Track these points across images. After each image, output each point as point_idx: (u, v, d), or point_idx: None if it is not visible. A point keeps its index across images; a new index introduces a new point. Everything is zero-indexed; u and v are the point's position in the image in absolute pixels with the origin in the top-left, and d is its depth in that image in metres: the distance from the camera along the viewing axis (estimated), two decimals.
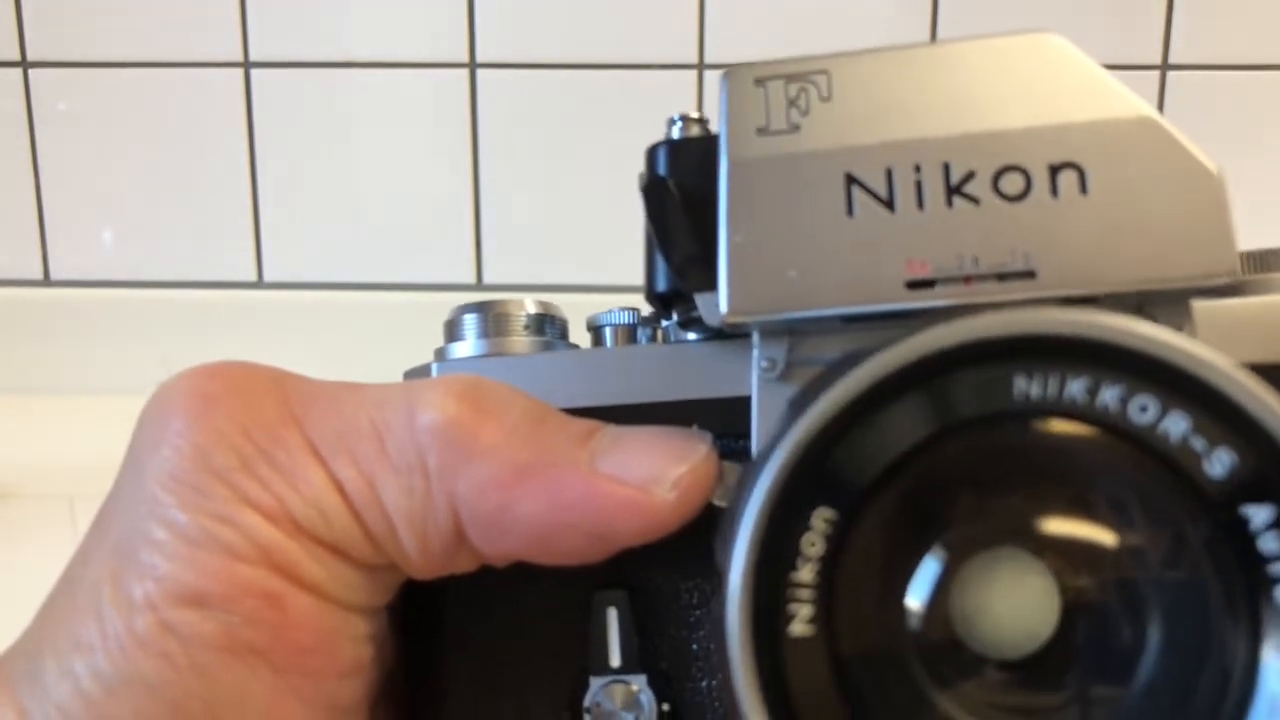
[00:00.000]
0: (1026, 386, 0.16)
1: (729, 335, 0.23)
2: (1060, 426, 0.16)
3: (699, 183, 0.22)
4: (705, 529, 0.21)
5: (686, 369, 0.24)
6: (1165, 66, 0.76)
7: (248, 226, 0.79)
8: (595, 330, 0.27)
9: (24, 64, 0.78)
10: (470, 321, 0.26)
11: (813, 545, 0.15)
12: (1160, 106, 0.77)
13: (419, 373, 0.26)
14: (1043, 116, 0.19)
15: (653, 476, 0.21)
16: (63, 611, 0.22)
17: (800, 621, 0.15)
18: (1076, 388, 0.16)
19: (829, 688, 0.15)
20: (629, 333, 0.26)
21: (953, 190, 0.19)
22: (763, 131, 0.20)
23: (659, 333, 0.26)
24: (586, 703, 0.24)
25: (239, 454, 0.21)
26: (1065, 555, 0.17)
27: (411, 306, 0.78)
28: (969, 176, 0.19)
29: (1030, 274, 0.20)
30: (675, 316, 0.24)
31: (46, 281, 0.81)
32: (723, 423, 0.23)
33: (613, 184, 0.77)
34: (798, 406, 0.16)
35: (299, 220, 0.79)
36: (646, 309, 0.26)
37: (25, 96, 0.79)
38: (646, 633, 0.24)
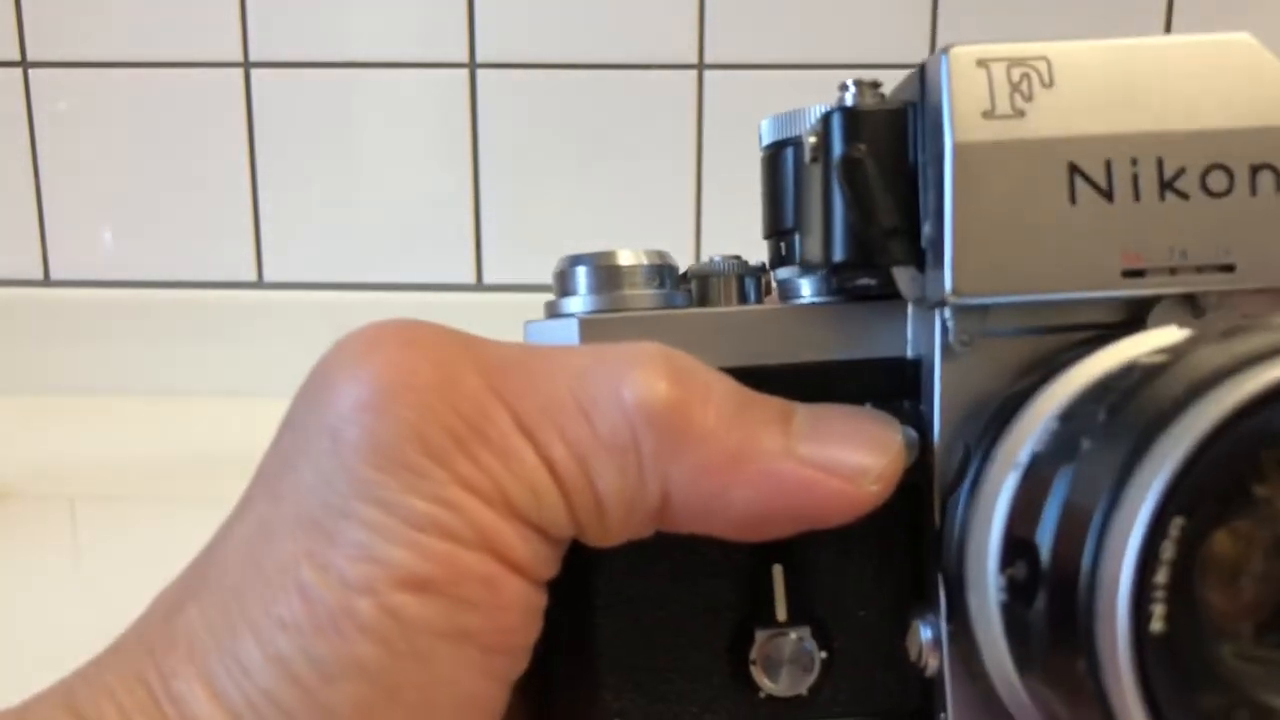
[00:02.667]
0: None
1: (873, 296, 0.24)
2: None
3: (893, 153, 0.22)
4: None
5: (841, 329, 0.24)
6: None
7: (248, 226, 0.80)
8: (701, 279, 0.26)
9: (24, 64, 0.78)
10: (582, 274, 0.25)
11: (1167, 551, 0.16)
12: None
13: (545, 332, 0.25)
14: (1245, 118, 0.21)
15: (860, 469, 0.22)
16: (251, 586, 0.21)
17: (1158, 619, 0.16)
18: None
19: (1177, 674, 0.16)
20: (738, 284, 0.26)
21: (1165, 185, 0.21)
22: (988, 115, 0.21)
23: (765, 281, 0.26)
24: (752, 655, 0.24)
25: (452, 433, 0.21)
26: None
27: (411, 306, 0.78)
28: (1180, 172, 0.21)
29: (1230, 268, 0.21)
30: (837, 282, 0.24)
31: (46, 281, 0.81)
32: (878, 383, 0.24)
33: (613, 183, 0.77)
34: (1158, 421, 0.17)
35: (299, 220, 0.79)
36: (752, 258, 0.26)
37: (25, 96, 0.79)
38: (806, 587, 0.24)
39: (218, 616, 0.21)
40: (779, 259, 0.26)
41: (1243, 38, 0.21)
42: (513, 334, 0.25)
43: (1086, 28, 0.76)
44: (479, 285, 0.79)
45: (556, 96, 0.77)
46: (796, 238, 0.25)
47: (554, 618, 0.23)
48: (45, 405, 0.78)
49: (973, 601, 0.21)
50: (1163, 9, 0.75)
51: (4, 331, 0.80)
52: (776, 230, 0.26)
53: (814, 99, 0.25)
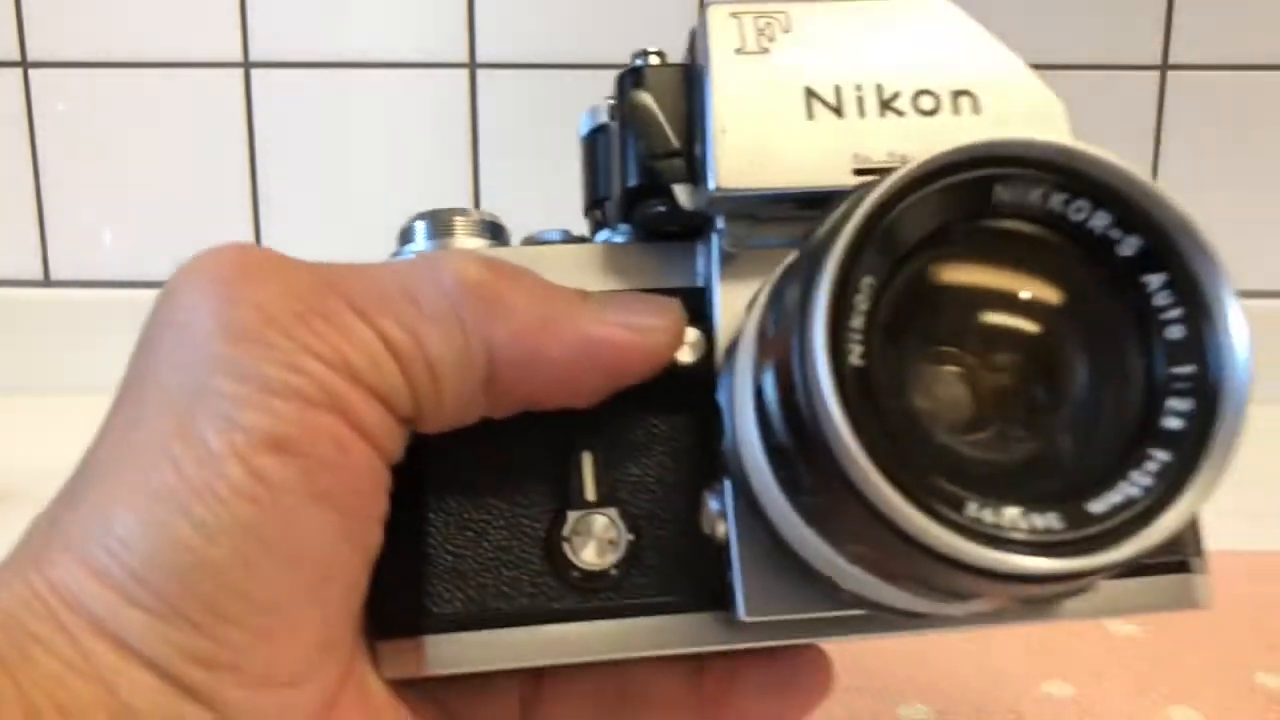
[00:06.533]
0: (1002, 193, 0.21)
1: (665, 237, 0.28)
2: (1020, 225, 0.22)
3: (671, 98, 0.27)
4: (655, 386, 0.26)
5: (638, 262, 0.29)
6: (1165, 66, 0.76)
7: (247, 227, 0.80)
8: (534, 244, 0.30)
9: (24, 64, 0.78)
10: (421, 227, 0.30)
11: (861, 302, 0.20)
12: (1160, 106, 0.77)
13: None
14: (946, 58, 0.27)
15: (648, 325, 0.26)
16: (121, 472, 0.22)
17: (855, 356, 0.20)
18: (1035, 195, 0.22)
19: (873, 404, 0.20)
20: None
21: (884, 105, 0.26)
22: (740, 51, 0.26)
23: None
24: (565, 532, 0.27)
25: (293, 310, 0.23)
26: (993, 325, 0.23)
27: None
28: (896, 95, 0.26)
29: None
30: (634, 215, 0.28)
31: (46, 281, 0.81)
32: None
33: None
34: (849, 204, 0.21)
35: (299, 220, 0.79)
36: (578, 230, 0.31)
37: (25, 96, 0.79)
38: (613, 474, 0.28)
39: (93, 506, 0.22)
40: (597, 228, 0.31)
41: (943, 2, 0.27)
42: None
43: (1087, 25, 0.76)
44: None
45: (556, 96, 0.77)
46: (608, 205, 0.29)
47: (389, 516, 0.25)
48: (45, 405, 0.78)
49: (745, 454, 0.24)
50: (1163, 4, 0.75)
51: (4, 331, 0.80)
52: (594, 201, 0.30)
53: None
